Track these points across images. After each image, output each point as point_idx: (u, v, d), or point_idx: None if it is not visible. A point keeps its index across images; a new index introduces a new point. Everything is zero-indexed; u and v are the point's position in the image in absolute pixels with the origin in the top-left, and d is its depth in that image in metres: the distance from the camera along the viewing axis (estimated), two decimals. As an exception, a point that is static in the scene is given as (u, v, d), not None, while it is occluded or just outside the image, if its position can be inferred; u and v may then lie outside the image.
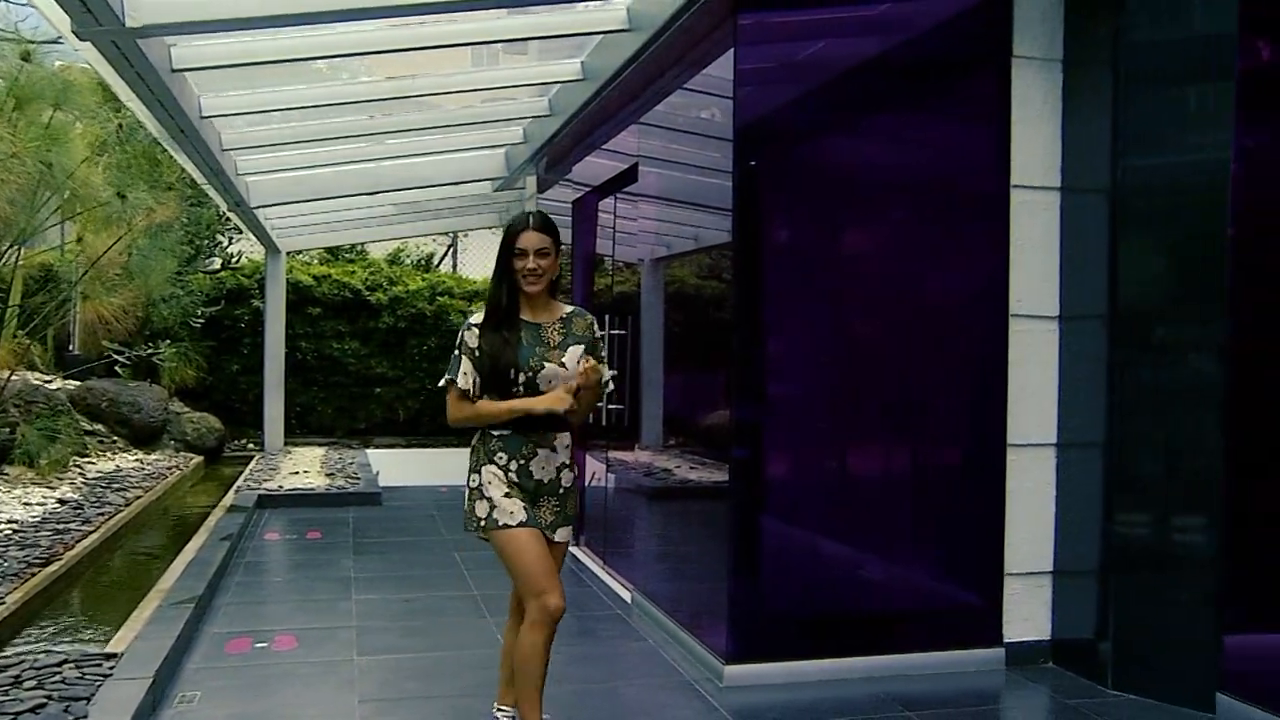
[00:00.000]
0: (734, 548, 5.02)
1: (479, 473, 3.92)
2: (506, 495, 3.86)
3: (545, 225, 3.88)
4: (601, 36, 6.33)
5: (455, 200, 11.95)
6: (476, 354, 3.86)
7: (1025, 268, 5.29)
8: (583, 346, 3.93)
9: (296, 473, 11.55)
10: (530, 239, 3.84)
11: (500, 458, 3.89)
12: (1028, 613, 5.36)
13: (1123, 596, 4.96)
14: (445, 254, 19.36)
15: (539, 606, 3.79)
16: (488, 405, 3.86)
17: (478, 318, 3.93)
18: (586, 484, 7.87)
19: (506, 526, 3.82)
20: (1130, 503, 4.97)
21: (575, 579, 7.18)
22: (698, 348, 5.96)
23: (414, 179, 10.01)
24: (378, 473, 11.70)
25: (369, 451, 14.23)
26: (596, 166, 7.69)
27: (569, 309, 4.03)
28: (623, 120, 6.95)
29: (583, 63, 6.83)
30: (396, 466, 12.66)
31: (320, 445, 14.69)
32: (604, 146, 7.47)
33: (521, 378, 3.84)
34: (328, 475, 11.41)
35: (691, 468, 5.98)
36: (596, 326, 4.05)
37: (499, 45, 11.20)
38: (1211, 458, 4.66)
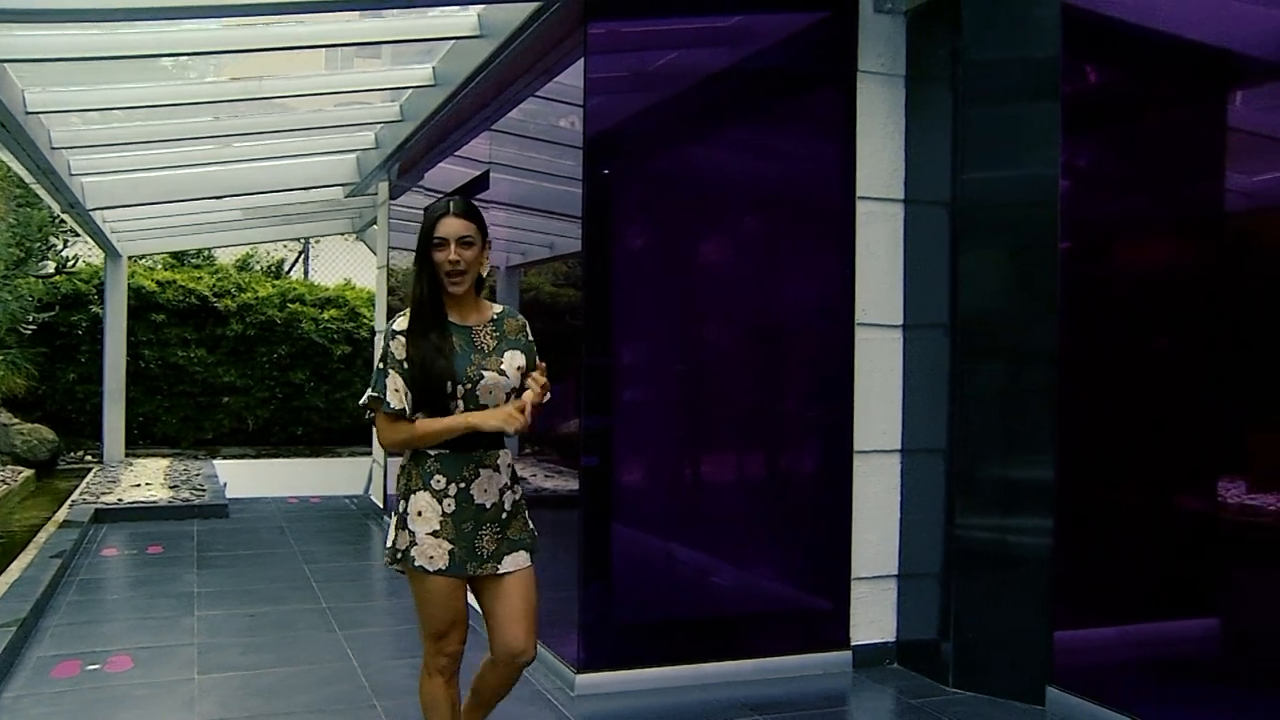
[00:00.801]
0: (584, 556, 5.04)
1: (408, 499, 3.42)
2: (433, 534, 3.36)
3: (468, 211, 3.39)
4: (453, 42, 6.29)
5: (306, 206, 11.70)
6: (405, 366, 3.35)
7: (870, 278, 5.44)
8: (520, 353, 3.50)
9: (138, 485, 11.15)
10: (450, 226, 3.35)
11: (437, 481, 3.38)
12: (874, 615, 5.50)
13: (963, 597, 5.13)
14: (296, 260, 18.94)
15: (434, 649, 3.45)
16: (429, 424, 3.35)
17: (402, 323, 3.40)
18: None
19: (422, 570, 3.37)
20: (971, 506, 5.14)
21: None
22: (553, 355, 5.94)
23: (263, 183, 9.77)
24: (225, 484, 11.38)
25: (216, 462, 13.82)
26: (449, 173, 7.64)
27: (497, 309, 3.57)
28: (475, 127, 6.92)
29: (434, 68, 6.78)
30: (245, 478, 12.33)
31: (165, 456, 14.21)
32: (457, 153, 7.42)
33: (460, 390, 3.36)
34: (171, 487, 11.05)
35: (547, 476, 5.97)
36: (529, 328, 3.63)
37: (352, 49, 11.02)
38: (1045, 462, 4.85)
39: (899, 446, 5.49)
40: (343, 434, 15.62)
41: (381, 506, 10.21)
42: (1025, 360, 4.99)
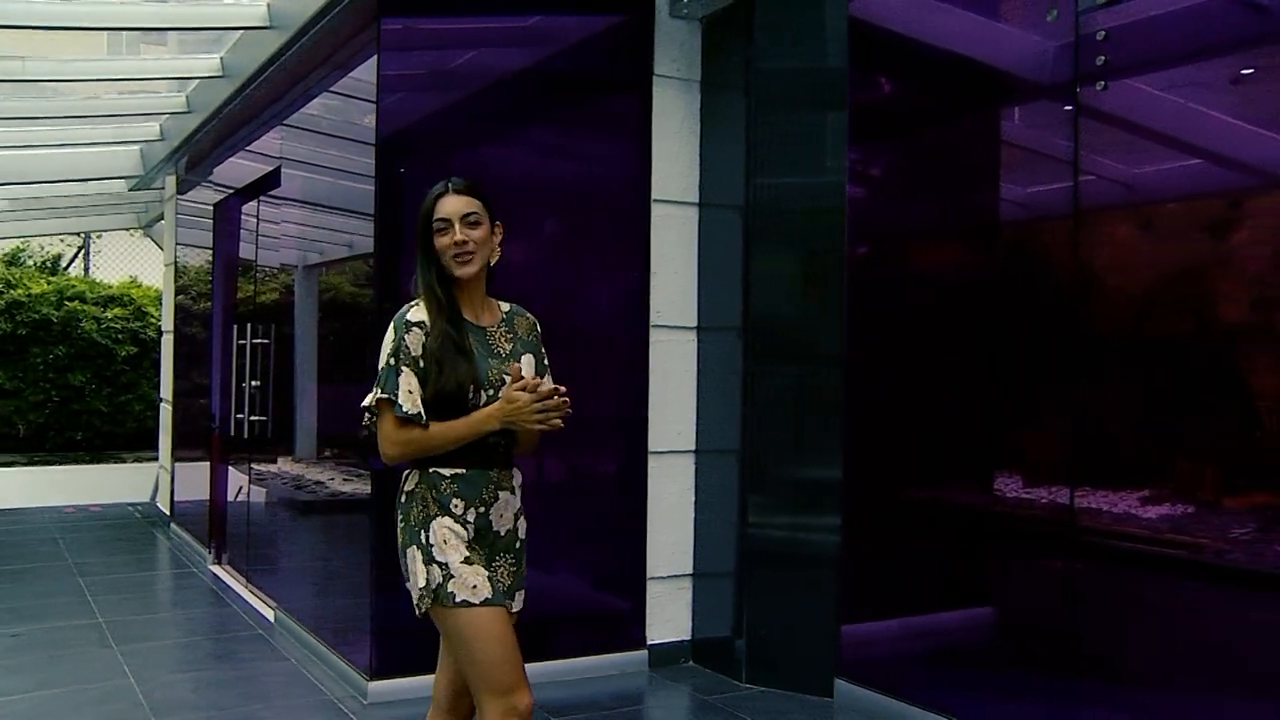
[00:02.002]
0: (376, 560, 4.94)
1: (428, 529, 2.91)
2: (467, 561, 2.89)
3: (470, 188, 3.03)
4: (242, 33, 6.07)
5: (84, 199, 11.10)
6: (422, 365, 2.91)
7: (665, 280, 5.50)
8: (533, 357, 3.11)
9: (-107, 496, 10.39)
10: (452, 204, 2.97)
11: (456, 506, 2.92)
12: (670, 615, 5.56)
13: (756, 595, 5.25)
14: (76, 256, 17.98)
15: (504, 709, 2.82)
16: (441, 429, 2.90)
17: (419, 313, 2.96)
18: (230, 499, 7.52)
19: (467, 604, 2.84)
20: (763, 506, 5.25)
21: (217, 599, 6.84)
22: (351, 356, 5.83)
23: (33, 173, 9.20)
24: (-9, 494, 10.72)
25: (-17, 471, 13.00)
26: (240, 168, 7.38)
27: (506, 306, 3.18)
28: (267, 121, 6.70)
29: (223, 59, 6.53)
30: (15, 487, 11.66)
31: (-76, 465, 13.28)
32: (248, 148, 7.17)
33: (482, 397, 2.93)
34: (-69, 499, 10.33)
35: (345, 479, 5.83)
36: (539, 327, 3.23)
37: (138, 34, 10.50)
38: (833, 462, 5.01)
39: (694, 447, 5.57)
40: (128, 438, 14.90)
41: (169, 513, 9.75)
42: (814, 363, 5.14)
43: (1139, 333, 3.87)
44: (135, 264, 16.82)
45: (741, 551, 5.31)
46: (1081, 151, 3.97)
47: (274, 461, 6.76)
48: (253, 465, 7.09)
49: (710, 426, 5.52)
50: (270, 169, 6.63)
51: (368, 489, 5.33)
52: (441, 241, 2.97)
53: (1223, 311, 3.65)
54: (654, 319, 5.48)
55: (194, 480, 8.72)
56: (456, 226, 2.96)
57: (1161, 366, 3.79)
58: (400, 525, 2.99)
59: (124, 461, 14.42)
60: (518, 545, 3.05)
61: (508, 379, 2.93)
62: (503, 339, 3.07)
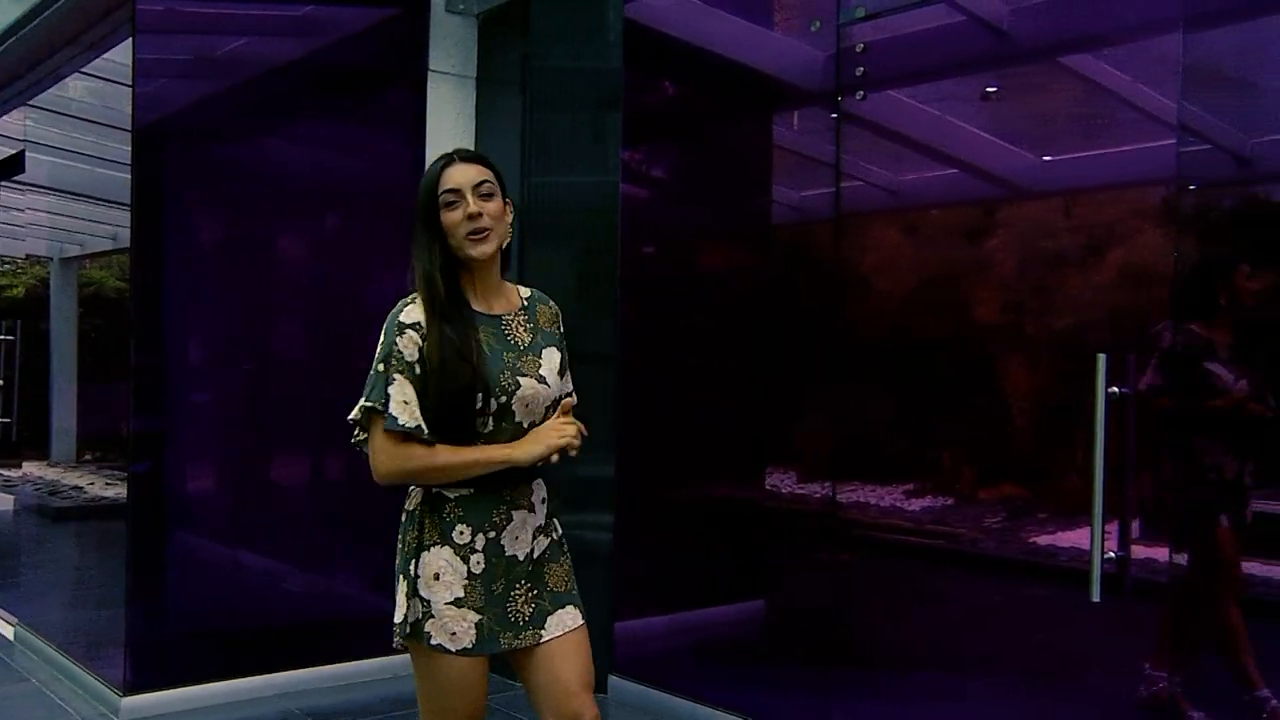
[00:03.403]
0: (131, 568, 4.59)
1: (418, 558, 2.51)
2: (455, 603, 2.47)
3: (480, 156, 2.57)
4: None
5: None
6: (419, 370, 2.43)
7: (441, 278, 5.31)
8: (557, 351, 2.64)
9: None
10: (462, 173, 2.46)
11: (460, 533, 2.48)
12: (445, 614, 5.38)
13: (531, 592, 5.13)
14: None
15: None
16: (453, 455, 2.44)
17: (414, 313, 2.47)
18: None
19: (441, 649, 2.47)
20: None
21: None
22: (114, 355, 5.42)
23: None
24: None
25: None
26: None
27: (525, 292, 2.68)
28: (8, 101, 6.15)
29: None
30: None
31: None
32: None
33: (491, 404, 2.45)
34: None
35: (107, 484, 5.44)
36: (562, 319, 2.75)
37: None
38: (607, 459, 4.95)
39: (468, 446, 5.41)
40: None
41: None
42: (587, 362, 5.02)
43: (901, 333, 3.96)
44: None
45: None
46: (847, 158, 4.04)
47: (19, 467, 6.24)
48: (-3, 470, 6.52)
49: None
50: (12, 152, 6.10)
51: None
52: (451, 217, 2.45)
53: (977, 314, 3.77)
54: (429, 317, 5.28)
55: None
56: (469, 198, 2.44)
57: (921, 366, 3.89)
58: (398, 547, 2.60)
59: None
60: (530, 567, 2.57)
61: (527, 385, 2.47)
62: (520, 328, 2.57)
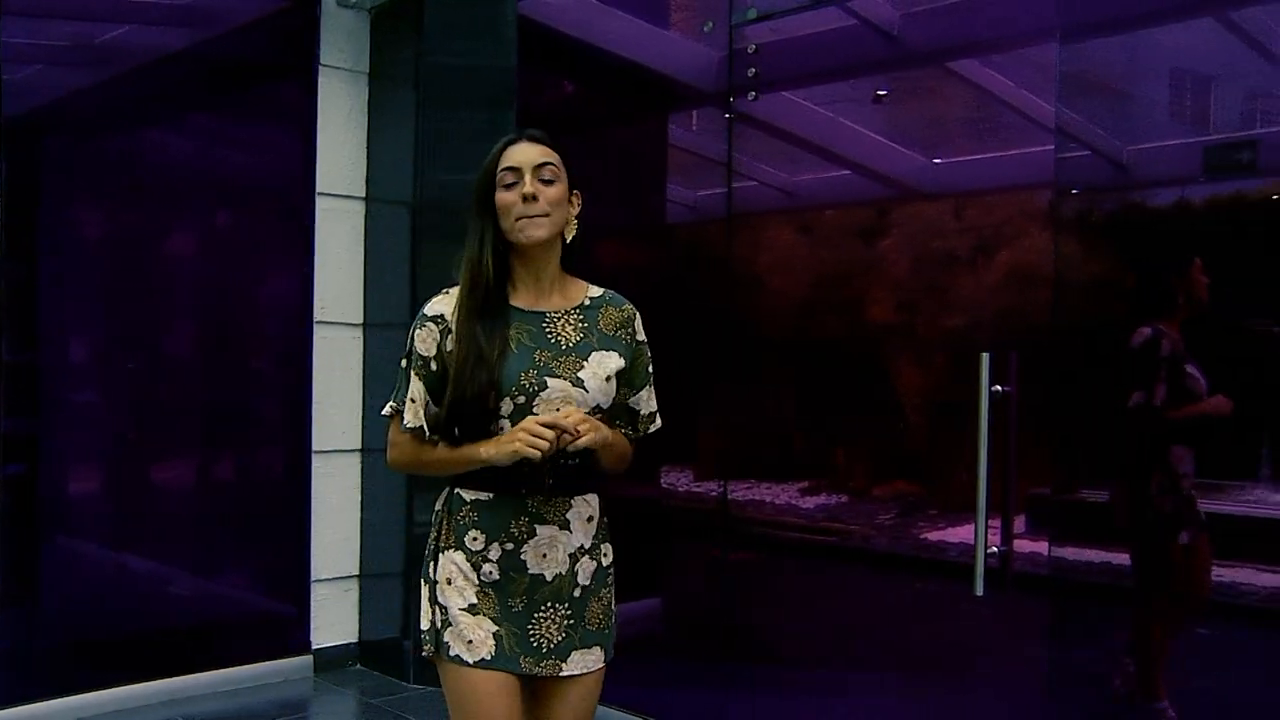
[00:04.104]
0: (2, 575, 4.34)
1: (436, 560, 2.30)
2: (470, 609, 2.23)
3: (547, 137, 2.32)
4: None
5: None
6: (434, 368, 2.26)
7: (330, 275, 5.16)
8: (619, 357, 2.33)
9: None
10: (525, 151, 2.25)
11: (474, 539, 2.25)
12: (335, 617, 5.23)
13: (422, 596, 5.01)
14: None
15: None
16: (438, 455, 2.28)
17: (440, 305, 2.29)
18: None
19: (459, 661, 2.22)
20: (429, 505, 4.97)
21: None
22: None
23: None
24: None
25: None
26: None
27: (596, 291, 2.42)
28: None
29: None
30: None
31: None
32: None
33: (507, 405, 2.21)
34: None
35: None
36: (640, 324, 2.44)
37: None
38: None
39: (360, 446, 5.26)
40: None
41: None
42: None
43: (796, 332, 3.96)
44: None
45: (409, 551, 5.05)
46: (743, 159, 4.02)
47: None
48: None
49: (377, 425, 5.19)
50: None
51: None
52: (506, 198, 2.23)
53: (871, 313, 3.78)
54: (318, 315, 5.12)
55: None
56: (528, 178, 2.22)
57: (817, 364, 3.89)
58: (427, 545, 2.38)
59: None
60: (577, 593, 2.28)
61: (557, 387, 2.22)
62: (569, 327, 2.30)
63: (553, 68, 4.90)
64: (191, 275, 4.99)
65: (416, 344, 2.28)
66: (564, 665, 2.26)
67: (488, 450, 2.17)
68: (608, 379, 2.28)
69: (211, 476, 5.12)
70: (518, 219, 2.21)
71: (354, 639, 5.28)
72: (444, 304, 2.29)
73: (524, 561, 2.24)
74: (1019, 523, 3.32)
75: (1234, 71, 3.39)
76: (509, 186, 2.22)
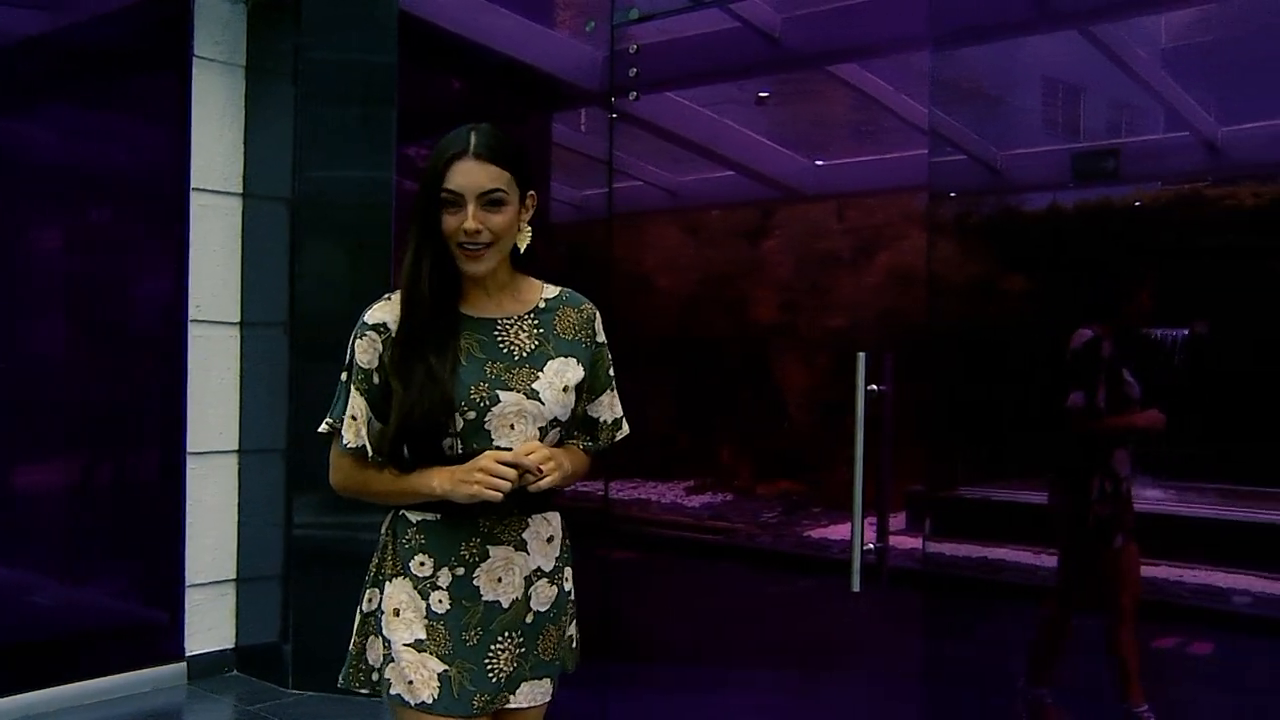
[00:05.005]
0: None
1: (381, 588, 2.09)
2: (414, 645, 2.02)
3: (497, 150, 2.01)
4: None
5: None
6: (374, 382, 2.06)
7: (206, 273, 4.95)
8: (578, 364, 2.12)
9: None
10: (469, 174, 1.98)
11: (421, 564, 2.04)
12: (212, 623, 5.02)
13: (303, 598, 4.84)
14: None
15: None
16: (385, 483, 2.07)
17: (381, 312, 2.10)
18: None
19: (401, 702, 2.02)
20: (309, 505, 4.86)
21: None
22: None
23: None
24: None
25: None
26: None
27: (551, 291, 2.20)
28: None
29: None
30: None
31: None
32: None
33: (457, 421, 2.00)
34: None
35: None
36: (599, 323, 2.22)
37: None
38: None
39: (237, 447, 5.06)
40: None
41: None
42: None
43: (682, 332, 3.92)
44: None
45: (288, 553, 4.87)
46: (629, 159, 3.96)
47: None
48: None
49: (255, 425, 5.04)
50: None
51: None
52: (449, 223, 2.00)
53: (755, 313, 3.76)
54: (193, 313, 4.90)
55: None
56: (470, 208, 1.98)
57: (702, 364, 3.85)
58: (369, 572, 2.17)
59: None
60: (530, 619, 2.08)
61: (510, 401, 2.01)
62: (523, 334, 2.09)
63: (435, 65, 4.78)
64: (59, 272, 4.75)
65: (357, 355, 2.07)
66: (511, 697, 2.07)
67: (442, 485, 1.98)
68: (565, 389, 2.07)
69: (80, 480, 4.87)
70: (460, 246, 2.00)
71: (231, 644, 5.08)
72: (386, 311, 2.09)
73: (477, 587, 2.03)
74: (899, 520, 3.33)
75: (1100, 82, 3.45)
76: (451, 208, 2.00)
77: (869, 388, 3.16)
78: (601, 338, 2.19)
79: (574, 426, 2.17)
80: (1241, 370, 3.08)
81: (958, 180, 3.49)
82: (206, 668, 4.98)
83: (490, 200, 1.98)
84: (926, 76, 3.39)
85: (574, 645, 2.23)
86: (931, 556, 3.54)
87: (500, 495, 1.95)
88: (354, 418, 2.05)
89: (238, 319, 5.05)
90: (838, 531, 3.51)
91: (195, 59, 4.88)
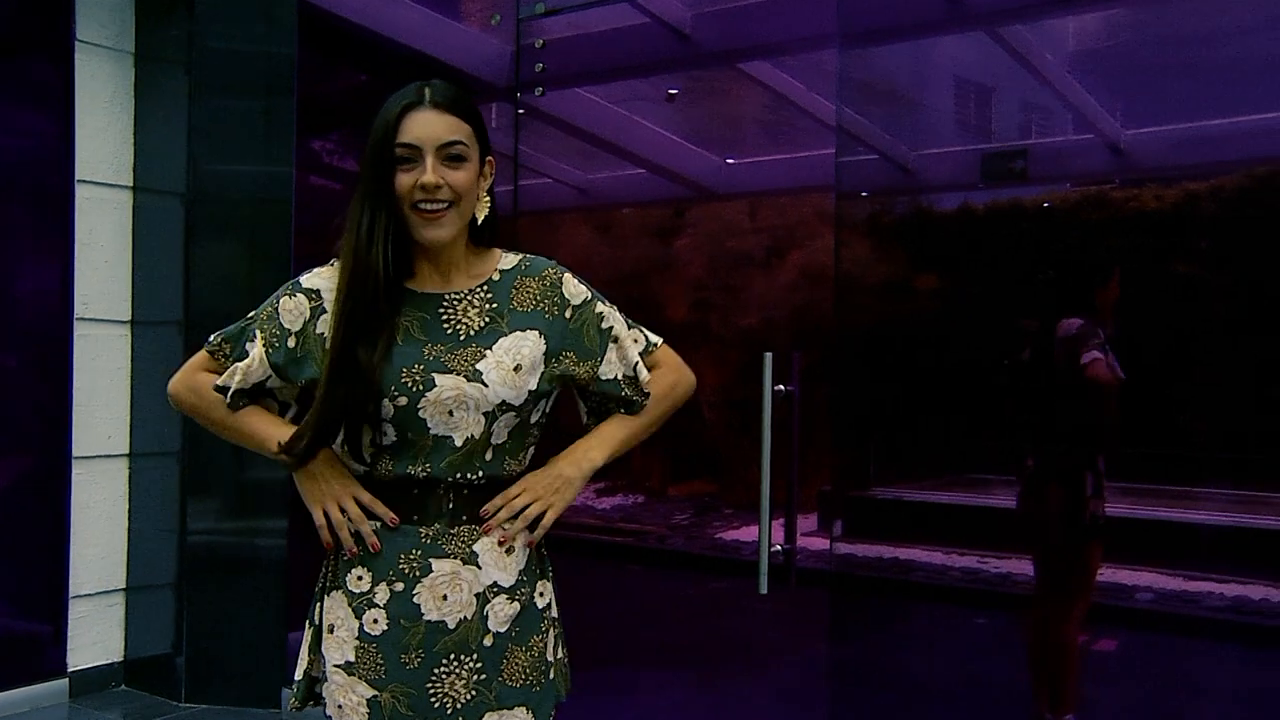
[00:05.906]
0: None
1: (321, 601, 1.91)
2: (344, 667, 1.81)
3: (456, 99, 1.78)
4: None
5: None
6: (289, 345, 1.84)
7: (93, 269, 4.69)
8: (539, 337, 1.83)
9: None
10: (427, 124, 1.74)
11: (358, 579, 1.83)
12: (97, 636, 4.75)
13: (198, 607, 4.62)
14: None
15: None
16: (227, 418, 1.91)
17: (319, 279, 1.87)
18: None
19: None
20: (205, 511, 4.65)
21: None
22: None
23: None
24: None
25: None
26: None
27: (510, 261, 1.89)
28: None
29: None
30: None
31: None
32: None
33: (387, 408, 1.75)
34: None
35: None
36: (572, 284, 1.90)
37: None
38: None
39: (127, 450, 4.81)
40: None
41: None
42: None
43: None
44: None
45: (182, 560, 4.65)
46: (538, 156, 3.85)
47: None
48: None
49: (146, 427, 4.79)
50: None
51: None
52: (403, 181, 1.74)
53: (667, 312, 3.68)
54: (79, 311, 4.64)
55: None
56: (429, 161, 1.73)
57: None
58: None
59: None
60: (488, 642, 1.81)
61: (447, 385, 1.75)
62: (472, 310, 1.81)
63: (336, 56, 4.61)
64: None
65: (281, 312, 1.85)
66: None
67: (300, 481, 1.87)
68: (517, 368, 1.78)
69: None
70: (415, 207, 1.75)
71: (119, 657, 4.82)
72: (324, 280, 1.86)
73: (417, 605, 1.78)
74: (811, 521, 3.28)
75: (1010, 84, 3.45)
76: (406, 166, 1.74)
77: (776, 387, 3.10)
78: (578, 299, 1.87)
79: (605, 400, 1.93)
80: (1144, 370, 3.09)
81: (868, 180, 3.45)
82: (90, 683, 4.71)
83: (451, 155, 1.75)
84: (834, 75, 3.35)
85: (565, 669, 1.98)
86: (841, 557, 3.49)
87: (326, 538, 1.83)
88: (246, 367, 1.85)
89: (128, 317, 4.80)
90: (749, 533, 3.45)
91: (78, 43, 4.61)
